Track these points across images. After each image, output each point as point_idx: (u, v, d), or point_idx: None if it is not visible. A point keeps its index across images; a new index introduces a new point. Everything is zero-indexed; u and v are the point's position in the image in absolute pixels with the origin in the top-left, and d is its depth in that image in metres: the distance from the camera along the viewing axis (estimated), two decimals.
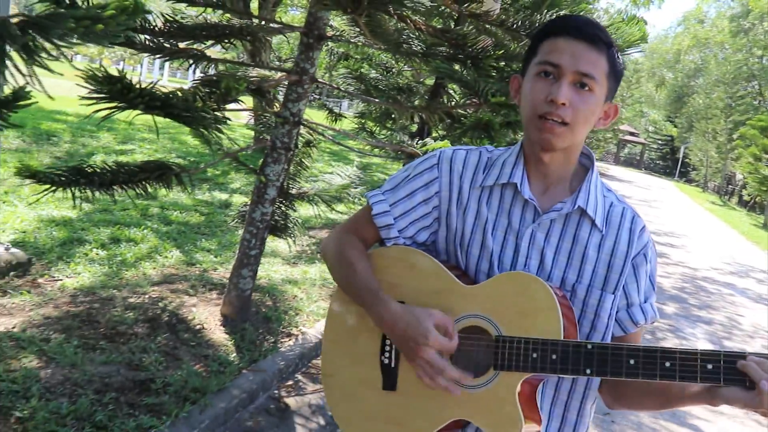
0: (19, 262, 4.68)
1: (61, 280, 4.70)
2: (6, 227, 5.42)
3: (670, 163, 56.99)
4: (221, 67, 3.71)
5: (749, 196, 29.92)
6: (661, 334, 6.56)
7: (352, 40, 3.96)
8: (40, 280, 4.65)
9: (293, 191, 4.40)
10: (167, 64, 25.28)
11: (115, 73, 2.47)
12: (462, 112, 4.48)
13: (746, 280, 10.86)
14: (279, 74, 3.89)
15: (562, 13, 4.04)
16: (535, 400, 1.33)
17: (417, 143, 5.18)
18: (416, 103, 6.94)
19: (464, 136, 4.56)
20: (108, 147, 10.05)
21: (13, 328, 3.78)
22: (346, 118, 6.92)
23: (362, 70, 5.74)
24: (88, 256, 5.25)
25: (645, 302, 1.42)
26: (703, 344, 6.48)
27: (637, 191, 28.21)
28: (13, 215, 5.79)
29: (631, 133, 56.87)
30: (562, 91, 1.28)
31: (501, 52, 3.84)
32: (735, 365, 1.17)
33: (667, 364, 1.20)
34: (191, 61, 3.74)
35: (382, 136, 7.64)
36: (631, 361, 1.22)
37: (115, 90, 2.29)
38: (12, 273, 4.57)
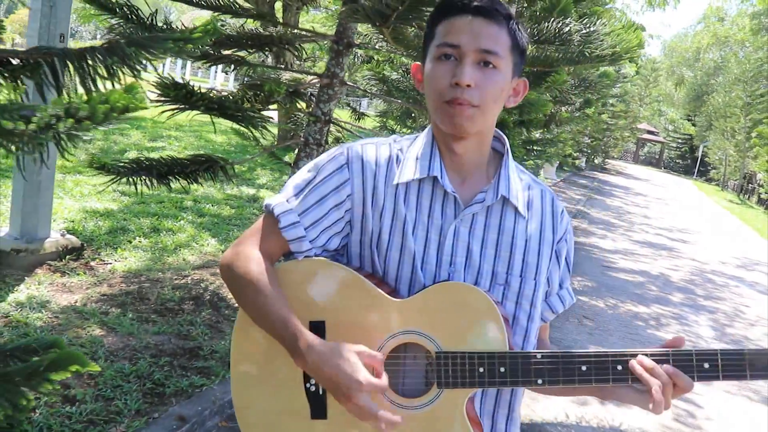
0: (73, 247, 5.17)
1: (110, 263, 5.19)
2: (56, 217, 5.92)
3: (690, 161, 56.80)
4: (259, 71, 4.16)
5: (767, 194, 29.98)
6: (665, 320, 6.94)
7: (377, 47, 4.40)
8: (92, 264, 5.14)
9: None
10: (188, 63, 25.89)
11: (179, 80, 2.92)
12: None
13: (755, 274, 11.15)
14: (311, 78, 4.34)
15: (569, 21, 4.43)
16: (475, 410, 1.30)
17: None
18: None
19: None
20: (139, 144, 10.56)
21: (75, 302, 4.27)
22: (368, 117, 7.34)
23: (384, 72, 6.16)
24: (132, 243, 5.74)
25: (561, 288, 1.41)
26: (705, 331, 6.84)
27: (653, 189, 28.42)
28: (61, 206, 6.29)
29: (650, 132, 56.76)
30: (466, 72, 1.21)
31: None
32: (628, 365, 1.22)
33: (619, 367, 1.21)
34: (232, 66, 4.21)
35: (403, 134, 8.06)
36: (584, 368, 1.21)
37: (181, 95, 2.74)
38: (68, 256, 5.06)
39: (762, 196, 32.38)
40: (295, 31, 4.28)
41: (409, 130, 8.08)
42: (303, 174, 1.36)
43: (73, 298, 4.34)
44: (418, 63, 1.34)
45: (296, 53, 4.19)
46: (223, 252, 6.07)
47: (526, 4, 6.04)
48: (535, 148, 10.98)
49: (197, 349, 3.90)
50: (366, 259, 1.33)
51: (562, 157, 18.94)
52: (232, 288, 1.35)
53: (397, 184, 1.32)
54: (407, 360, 1.28)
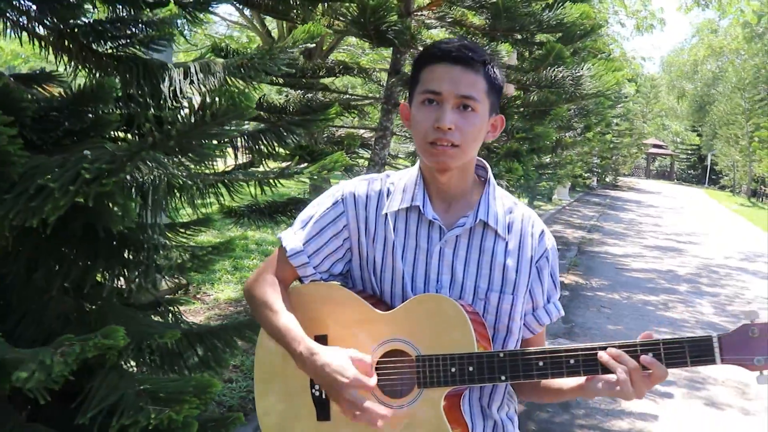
0: (182, 284, 6.49)
1: (212, 294, 6.50)
2: None
3: (700, 171, 57.66)
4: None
5: None
6: (672, 305, 8.13)
7: None
8: (198, 296, 6.45)
9: None
10: None
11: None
12: (496, 145, 6.21)
13: (758, 265, 12.25)
14: (370, 132, 5.69)
15: (560, 69, 5.74)
16: (459, 409, 1.42)
17: None
18: None
19: (500, 161, 6.30)
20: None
21: (200, 321, 5.57)
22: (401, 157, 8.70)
23: None
24: (222, 280, 7.06)
25: (548, 303, 1.53)
26: (707, 309, 8.00)
27: (665, 201, 29.49)
28: None
29: (658, 146, 57.84)
30: (446, 116, 1.34)
31: (519, 101, 5.57)
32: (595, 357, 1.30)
33: (572, 361, 1.31)
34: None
35: None
36: (540, 363, 1.32)
37: (306, 152, 4.03)
38: (179, 291, 6.37)
39: None
40: (355, 96, 5.64)
41: None
42: (308, 210, 1.55)
43: (198, 318, 5.64)
44: (406, 104, 1.49)
45: (359, 114, 5.55)
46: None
47: (526, 54, 7.39)
48: (546, 171, 12.30)
49: None
50: (366, 282, 1.50)
51: (573, 177, 20.16)
52: (252, 307, 1.54)
53: (386, 214, 1.48)
54: (394, 364, 1.41)
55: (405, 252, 1.46)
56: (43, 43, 2.55)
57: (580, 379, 1.36)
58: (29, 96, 2.07)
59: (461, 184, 1.48)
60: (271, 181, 2.89)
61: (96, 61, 2.61)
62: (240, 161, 3.44)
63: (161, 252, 2.39)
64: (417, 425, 1.36)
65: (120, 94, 2.50)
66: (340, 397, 1.33)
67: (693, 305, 8.20)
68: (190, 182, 2.35)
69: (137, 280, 2.35)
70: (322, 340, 1.47)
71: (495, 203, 1.48)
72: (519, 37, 5.99)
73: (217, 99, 1.78)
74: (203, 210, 2.74)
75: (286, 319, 1.43)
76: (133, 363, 2.48)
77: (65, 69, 2.62)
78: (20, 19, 2.48)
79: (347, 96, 6.05)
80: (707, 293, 9.09)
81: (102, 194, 1.97)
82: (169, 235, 2.54)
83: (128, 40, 2.63)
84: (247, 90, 2.08)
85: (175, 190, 2.30)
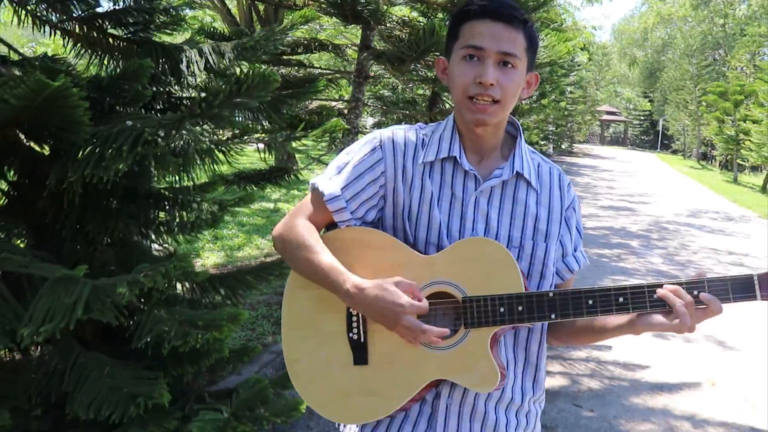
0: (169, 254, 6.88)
1: (199, 262, 6.91)
2: None
3: (653, 136, 59.22)
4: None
5: (721, 156, 32.31)
6: (624, 256, 8.81)
7: (385, 77, 6.20)
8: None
9: None
10: None
11: None
12: None
13: (703, 220, 13.14)
14: (344, 104, 6.13)
15: None
16: (497, 350, 1.44)
17: None
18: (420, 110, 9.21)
19: None
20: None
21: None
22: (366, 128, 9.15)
23: (380, 91, 7.97)
24: (205, 248, 7.46)
25: (575, 251, 1.55)
26: (656, 259, 8.70)
27: (619, 165, 30.49)
28: None
29: (612, 113, 59.17)
30: (489, 72, 1.36)
31: None
32: (654, 295, 1.33)
33: (621, 299, 1.33)
34: None
35: None
36: (590, 302, 1.34)
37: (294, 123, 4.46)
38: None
39: (719, 159, 34.73)
40: (327, 70, 6.07)
41: None
42: (342, 157, 1.53)
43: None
44: (443, 58, 1.51)
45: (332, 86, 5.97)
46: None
47: None
48: None
49: None
50: (399, 230, 1.49)
51: (530, 144, 20.83)
52: (284, 253, 1.52)
53: (423, 163, 1.48)
54: (438, 306, 1.41)
55: (441, 201, 1.47)
56: (58, 32, 2.92)
57: (627, 317, 1.38)
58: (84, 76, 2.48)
59: (495, 138, 1.51)
60: (274, 144, 3.33)
61: (119, 46, 3.01)
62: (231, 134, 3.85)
63: (193, 206, 2.84)
64: (465, 365, 1.37)
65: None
66: (398, 326, 1.33)
67: (644, 257, 8.90)
68: (213, 146, 2.79)
69: (174, 233, 2.79)
70: None
71: (527, 156, 1.52)
72: None
73: (251, 74, 2.21)
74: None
75: (329, 258, 1.41)
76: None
77: (72, 53, 3.02)
78: (38, 8, 2.85)
79: (320, 70, 6.47)
80: (657, 246, 9.81)
81: (153, 156, 2.41)
82: (194, 193, 2.96)
83: (144, 26, 3.03)
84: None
85: (201, 154, 2.73)
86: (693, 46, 40.07)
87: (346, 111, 6.17)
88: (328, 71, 6.44)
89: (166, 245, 3.48)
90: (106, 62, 3.04)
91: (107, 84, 2.55)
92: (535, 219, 1.48)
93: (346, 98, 6.61)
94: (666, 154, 49.20)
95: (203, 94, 2.43)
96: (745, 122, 24.64)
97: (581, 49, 27.06)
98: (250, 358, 3.16)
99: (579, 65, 25.86)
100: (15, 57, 2.69)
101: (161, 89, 3.00)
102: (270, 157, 3.38)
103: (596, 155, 38.66)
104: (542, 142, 27.35)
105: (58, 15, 2.95)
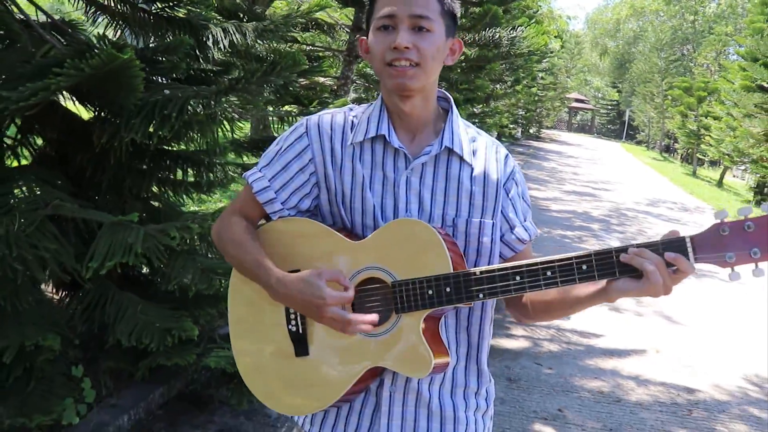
0: None
1: None
2: None
3: (619, 126, 60.44)
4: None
5: (682, 149, 33.37)
6: (585, 238, 9.38)
7: None
8: None
9: None
10: None
11: None
12: None
13: (661, 209, 13.85)
14: (333, 80, 6.50)
15: (498, 29, 6.66)
16: (439, 334, 1.41)
17: None
18: None
19: None
20: None
21: None
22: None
23: (365, 69, 8.33)
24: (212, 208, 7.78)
25: (524, 221, 1.52)
26: (614, 243, 9.27)
27: (584, 152, 31.32)
28: None
29: (580, 101, 60.15)
30: (402, 36, 1.33)
31: (463, 57, 6.45)
32: (617, 259, 1.25)
33: (549, 273, 1.29)
34: None
35: None
36: (517, 278, 1.30)
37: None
38: None
39: (681, 152, 35.82)
40: (318, 48, 6.42)
41: None
42: (272, 147, 1.50)
43: None
44: (364, 38, 1.46)
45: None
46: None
47: (463, 10, 8.27)
48: (475, 120, 13.39)
49: None
50: (336, 216, 1.46)
51: (500, 128, 21.41)
52: (220, 248, 1.51)
53: (353, 144, 1.45)
54: (370, 292, 1.39)
55: (373, 183, 1.43)
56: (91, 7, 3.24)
57: (595, 286, 1.32)
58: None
59: (424, 112, 1.46)
60: (287, 118, 3.71)
61: (150, 21, 3.33)
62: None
63: (218, 167, 3.21)
64: (398, 350, 1.35)
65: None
66: (323, 318, 1.31)
67: (603, 240, 9.48)
68: (236, 116, 3.16)
69: (204, 190, 3.16)
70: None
71: (459, 131, 1.47)
72: None
73: (284, 56, 2.59)
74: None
75: (256, 253, 1.40)
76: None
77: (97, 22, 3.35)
78: None
79: (311, 47, 6.81)
80: (616, 230, 10.42)
81: (196, 123, 2.78)
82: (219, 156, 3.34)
83: (172, 3, 3.36)
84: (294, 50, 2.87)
85: (229, 122, 3.10)
86: (663, 40, 41.10)
87: (335, 87, 6.54)
88: (320, 48, 6.78)
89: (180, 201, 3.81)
90: (135, 34, 3.38)
91: (150, 56, 2.90)
92: (470, 195, 1.44)
93: (334, 75, 6.97)
94: (631, 144, 50.37)
95: (238, 72, 2.80)
96: (706, 118, 25.52)
97: (555, 36, 27.61)
98: None
99: (552, 52, 26.41)
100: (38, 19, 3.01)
101: (188, 62, 3.35)
102: (281, 127, 3.73)
103: (563, 141, 39.50)
104: (511, 126, 27.95)
105: None
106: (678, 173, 25.83)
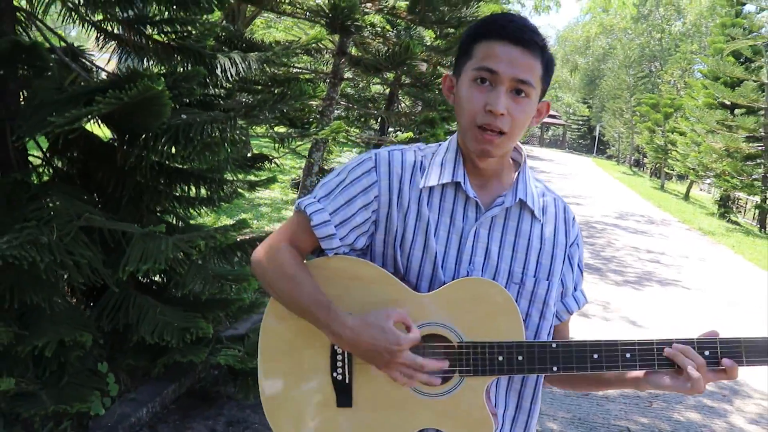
0: None
1: None
2: None
3: (590, 141, 61.59)
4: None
5: (651, 164, 34.35)
6: None
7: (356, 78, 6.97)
8: None
9: (326, 167, 7.38)
10: None
11: None
12: (414, 114, 7.55)
13: (629, 222, 14.44)
14: (320, 101, 6.88)
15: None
16: (489, 396, 1.35)
17: (389, 135, 8.28)
18: (379, 108, 10.03)
19: (417, 126, 7.64)
20: None
21: None
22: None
23: (346, 89, 8.75)
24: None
25: (575, 290, 1.47)
26: (585, 255, 9.71)
27: (556, 167, 31.99)
28: None
29: (551, 116, 61.19)
30: (501, 101, 1.26)
31: (439, 79, 6.92)
32: (662, 353, 1.26)
33: (628, 355, 1.26)
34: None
35: (355, 133, 10.67)
36: (595, 356, 1.26)
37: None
38: None
39: (649, 167, 36.83)
40: (305, 71, 6.81)
41: (359, 129, 10.65)
42: (333, 177, 1.42)
43: None
44: (450, 75, 1.41)
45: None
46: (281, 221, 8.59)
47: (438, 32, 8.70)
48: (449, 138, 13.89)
49: None
50: (389, 258, 1.38)
51: None
52: (264, 280, 1.40)
53: (422, 188, 1.37)
54: (431, 350, 1.31)
55: (438, 230, 1.36)
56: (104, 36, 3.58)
57: (633, 372, 1.32)
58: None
59: (499, 165, 1.40)
60: (287, 139, 4.07)
61: (162, 49, 3.68)
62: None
63: (227, 185, 3.56)
64: (457, 414, 1.30)
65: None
66: (393, 364, 1.25)
67: None
68: (243, 138, 3.52)
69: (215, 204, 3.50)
70: None
71: (531, 184, 1.42)
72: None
73: (293, 87, 2.96)
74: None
75: (315, 293, 1.31)
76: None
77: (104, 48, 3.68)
78: (87, 11, 3.49)
79: (298, 70, 7.21)
80: (586, 242, 10.90)
81: (214, 144, 3.13)
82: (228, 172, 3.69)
83: (184, 34, 3.71)
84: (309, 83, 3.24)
85: (235, 143, 3.45)
86: (631, 57, 42.22)
87: (320, 108, 6.92)
88: (306, 71, 7.18)
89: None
90: (146, 63, 3.72)
91: (170, 84, 3.25)
92: (539, 253, 1.38)
93: (319, 96, 7.38)
94: (601, 159, 51.38)
95: (254, 98, 3.15)
96: (673, 133, 26.42)
97: None
98: (260, 309, 3.90)
99: None
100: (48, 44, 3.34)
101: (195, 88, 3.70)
102: (283, 148, 4.08)
103: (535, 156, 40.17)
104: None
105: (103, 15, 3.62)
106: (647, 187, 26.64)
